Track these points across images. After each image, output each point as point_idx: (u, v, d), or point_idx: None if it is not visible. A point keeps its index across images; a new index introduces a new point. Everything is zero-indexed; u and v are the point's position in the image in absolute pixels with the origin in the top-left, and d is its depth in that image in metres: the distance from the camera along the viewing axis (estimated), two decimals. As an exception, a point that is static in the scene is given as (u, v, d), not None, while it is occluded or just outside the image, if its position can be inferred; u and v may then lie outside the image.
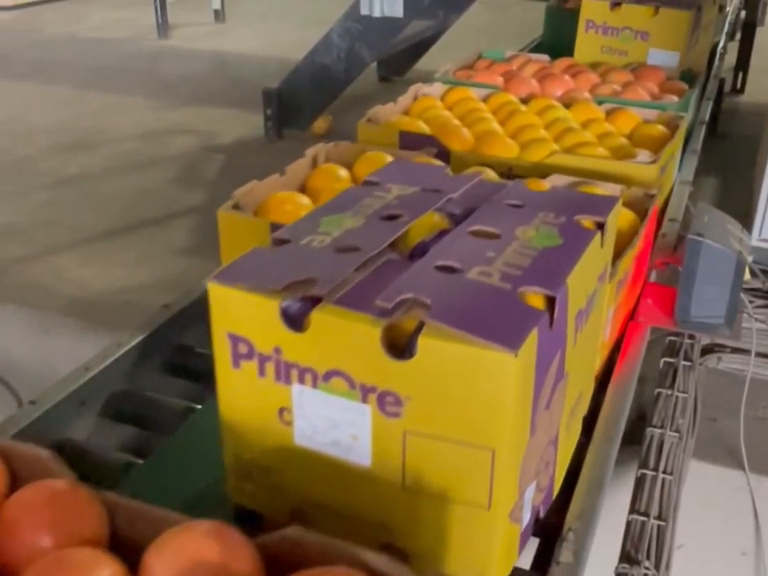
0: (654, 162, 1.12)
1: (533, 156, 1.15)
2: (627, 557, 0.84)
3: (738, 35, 3.13)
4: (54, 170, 2.26)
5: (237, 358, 0.57)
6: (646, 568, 0.83)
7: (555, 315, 0.55)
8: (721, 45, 2.48)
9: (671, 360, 1.08)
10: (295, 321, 0.54)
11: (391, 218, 0.65)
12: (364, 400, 0.53)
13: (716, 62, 2.27)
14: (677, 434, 0.97)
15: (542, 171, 1.06)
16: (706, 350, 1.27)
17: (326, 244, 0.60)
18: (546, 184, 0.97)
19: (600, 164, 1.11)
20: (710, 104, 1.89)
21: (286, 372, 0.55)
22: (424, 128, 1.28)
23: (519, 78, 1.59)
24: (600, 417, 0.78)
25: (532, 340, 0.51)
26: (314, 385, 0.55)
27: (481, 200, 0.70)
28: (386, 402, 0.53)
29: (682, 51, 1.79)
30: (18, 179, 2.19)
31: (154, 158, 2.35)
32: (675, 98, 1.52)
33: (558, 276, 0.57)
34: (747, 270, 1.01)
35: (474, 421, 0.51)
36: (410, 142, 1.20)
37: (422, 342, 0.50)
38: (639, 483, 0.92)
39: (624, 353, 0.90)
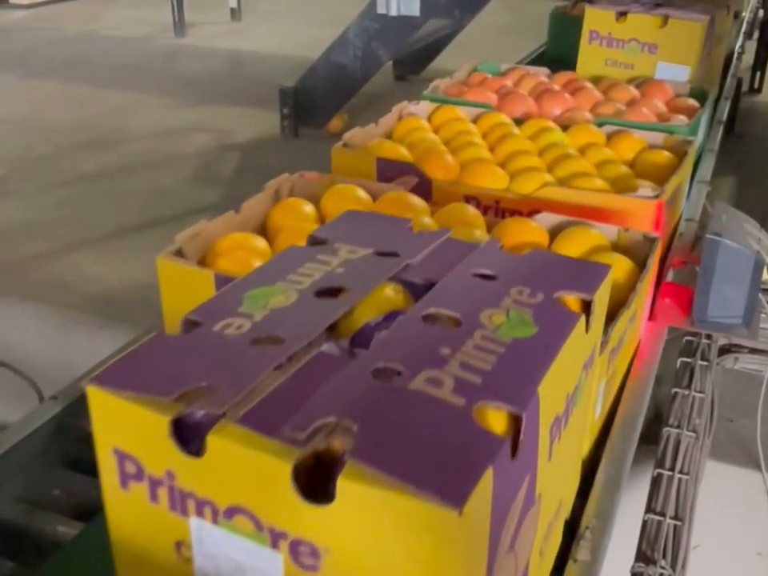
0: (657, 196, 1.00)
1: (523, 187, 1.05)
2: (643, 556, 0.84)
3: (756, 34, 3.11)
4: (73, 167, 2.27)
5: (125, 479, 0.46)
6: (662, 567, 0.83)
7: (521, 438, 0.43)
8: (738, 44, 2.46)
9: (688, 360, 1.08)
10: (191, 442, 0.42)
11: (332, 292, 0.54)
12: (274, 546, 0.42)
13: (733, 62, 2.21)
14: (693, 434, 0.97)
15: (532, 205, 0.99)
16: (723, 350, 1.26)
17: (244, 331, 0.49)
18: (532, 223, 0.91)
19: (596, 198, 1.00)
20: (728, 103, 1.87)
21: (181, 501, 0.44)
22: (404, 154, 1.17)
23: (514, 96, 1.47)
24: (617, 416, 0.78)
25: (485, 485, 0.40)
26: (215, 520, 0.44)
27: (446, 265, 0.59)
28: (300, 552, 0.42)
29: (692, 65, 1.65)
30: (38, 176, 2.21)
31: (171, 156, 2.37)
32: (684, 119, 1.39)
33: (528, 384, 0.46)
34: (766, 270, 1.01)
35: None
36: (389, 169, 1.08)
37: (343, 484, 0.39)
38: (655, 483, 0.92)
39: (642, 352, 0.90)
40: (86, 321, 1.49)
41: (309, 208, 0.96)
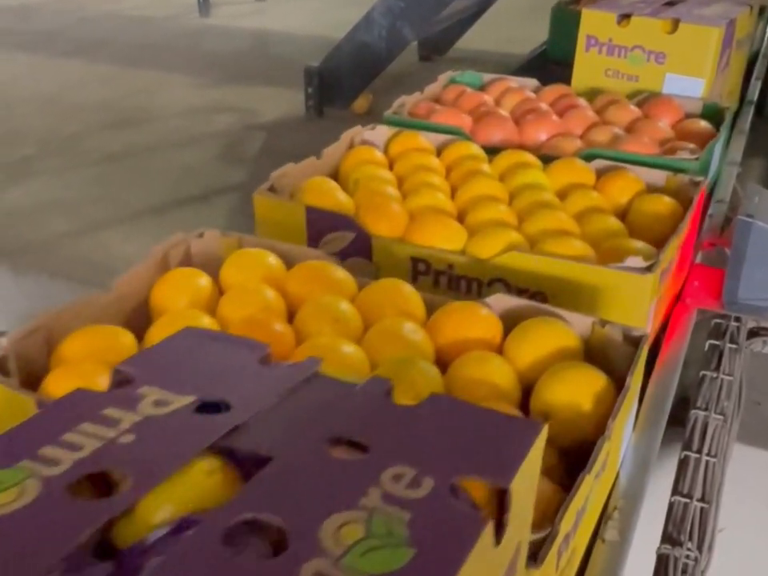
0: (650, 267, 0.77)
1: (483, 249, 0.84)
2: (669, 538, 0.84)
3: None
4: (100, 146, 2.29)
5: None
6: (689, 549, 0.83)
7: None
8: (765, 45, 2.37)
9: (717, 343, 1.07)
10: None
11: (100, 479, 0.36)
12: None
13: (757, 66, 1.96)
14: (721, 417, 0.97)
15: (491, 273, 0.81)
16: (752, 333, 1.25)
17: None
18: (482, 309, 0.72)
19: (571, 270, 0.79)
20: (759, 84, 1.84)
21: None
22: (342, 201, 0.95)
23: (491, 118, 1.23)
24: (645, 398, 0.78)
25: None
26: None
27: (297, 426, 0.39)
28: None
29: (707, 77, 1.38)
30: (66, 155, 2.23)
31: (197, 136, 2.37)
32: (694, 148, 1.17)
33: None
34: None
35: None
36: (321, 221, 0.88)
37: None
38: (682, 465, 0.92)
39: (670, 335, 0.89)
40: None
41: (203, 281, 0.76)
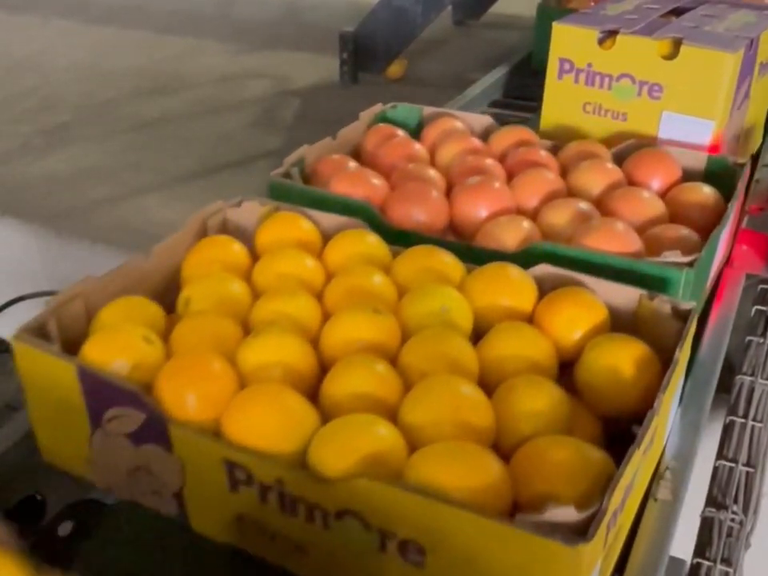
0: (581, 539, 0.42)
1: (332, 459, 0.51)
2: (714, 502, 0.84)
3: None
4: (135, 113, 2.30)
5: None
6: (734, 513, 0.83)
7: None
8: None
9: (763, 308, 1.06)
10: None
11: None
12: None
13: None
14: (767, 383, 0.96)
15: (340, 503, 0.49)
16: (798, 300, 1.24)
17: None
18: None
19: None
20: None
21: None
22: (122, 369, 0.57)
23: (405, 192, 0.86)
24: (696, 361, 0.78)
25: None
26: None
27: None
28: None
29: (718, 118, 1.00)
30: (102, 122, 2.25)
31: (231, 103, 2.38)
32: (686, 243, 0.79)
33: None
34: None
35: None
36: (99, 392, 0.56)
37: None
38: (727, 430, 0.91)
39: (719, 299, 0.89)
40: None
41: (236, 248, 0.74)
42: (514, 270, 0.68)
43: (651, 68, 1.01)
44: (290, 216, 0.77)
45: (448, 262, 0.71)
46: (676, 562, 0.64)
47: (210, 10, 3.46)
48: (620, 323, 0.65)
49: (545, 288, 0.67)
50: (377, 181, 0.89)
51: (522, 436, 0.54)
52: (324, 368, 0.61)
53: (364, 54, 2.46)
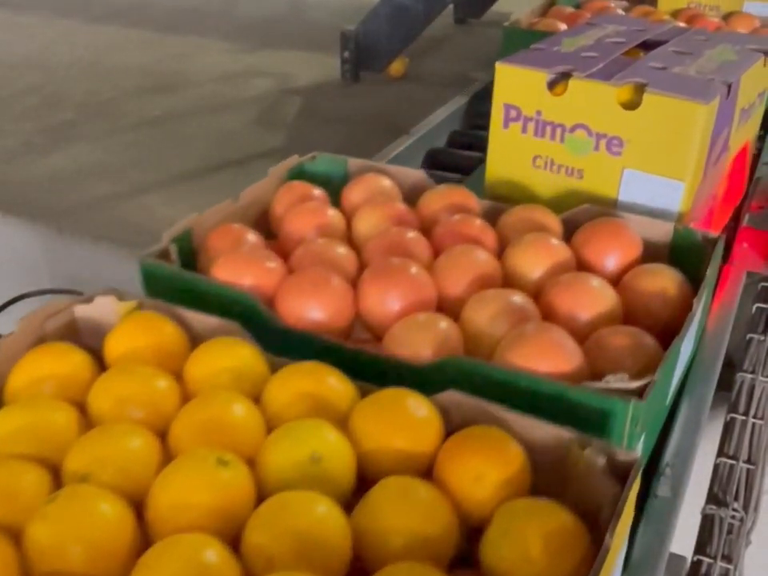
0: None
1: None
2: (715, 499, 0.85)
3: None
4: (138, 111, 2.31)
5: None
6: (734, 510, 0.83)
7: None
8: None
9: (764, 306, 1.06)
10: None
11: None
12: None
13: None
14: (768, 380, 0.96)
15: None
16: (799, 298, 1.24)
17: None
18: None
19: None
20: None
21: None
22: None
23: (303, 278, 0.70)
24: (696, 359, 0.78)
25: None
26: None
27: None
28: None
29: (689, 180, 0.84)
30: (105, 120, 2.25)
31: (233, 101, 2.38)
32: (635, 359, 0.64)
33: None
34: None
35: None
36: None
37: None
38: (728, 427, 0.92)
39: (719, 296, 0.89)
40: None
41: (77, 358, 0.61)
42: (414, 401, 0.55)
43: (610, 118, 0.85)
44: (149, 317, 0.63)
45: (334, 387, 0.57)
46: (677, 559, 0.64)
47: (213, 8, 3.46)
48: (544, 476, 0.52)
49: (453, 421, 0.55)
50: (271, 264, 0.72)
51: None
52: (148, 544, 0.45)
53: (365, 53, 2.46)
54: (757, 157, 1.19)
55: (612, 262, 0.76)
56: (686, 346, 0.66)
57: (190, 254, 0.76)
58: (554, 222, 0.81)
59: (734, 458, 0.88)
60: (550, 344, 0.60)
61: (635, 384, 0.55)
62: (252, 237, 0.79)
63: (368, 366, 0.60)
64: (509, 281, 0.73)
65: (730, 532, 0.81)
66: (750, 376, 0.97)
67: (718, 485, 0.86)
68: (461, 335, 0.65)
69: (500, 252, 0.77)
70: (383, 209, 0.82)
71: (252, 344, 0.61)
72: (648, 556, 0.59)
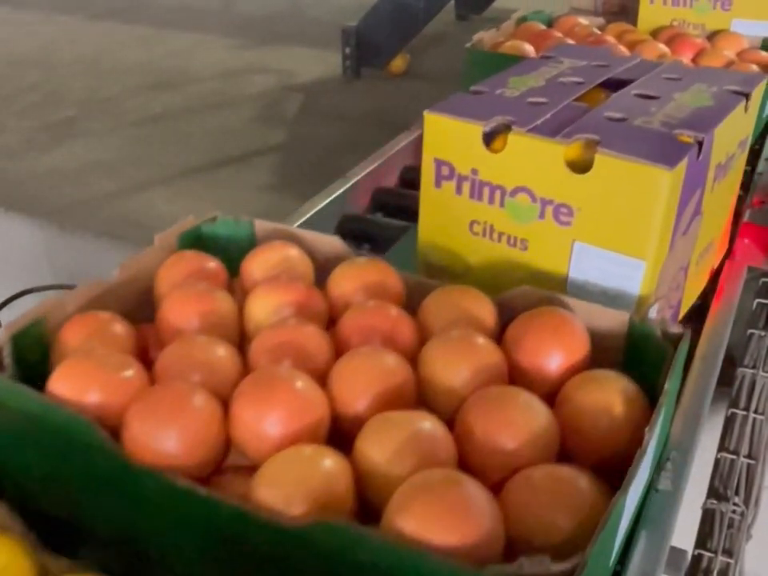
0: None
1: None
2: (716, 493, 0.85)
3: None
4: (139, 108, 2.31)
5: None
6: (735, 504, 0.84)
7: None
8: None
9: (765, 301, 1.06)
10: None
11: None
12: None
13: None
14: (769, 376, 0.96)
15: None
16: (800, 293, 1.24)
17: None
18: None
19: None
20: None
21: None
22: None
23: (157, 397, 0.53)
24: (696, 354, 0.78)
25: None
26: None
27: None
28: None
29: (650, 258, 0.66)
30: (106, 117, 2.25)
31: (235, 97, 2.38)
32: (547, 563, 0.41)
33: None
34: None
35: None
36: None
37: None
38: (729, 422, 0.92)
39: (720, 292, 0.89)
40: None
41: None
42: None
43: (556, 182, 0.68)
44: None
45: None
46: (677, 553, 0.64)
47: (213, 5, 3.46)
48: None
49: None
50: (129, 372, 0.54)
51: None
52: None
53: (366, 49, 2.46)
54: (758, 152, 1.18)
55: (551, 365, 0.58)
56: (636, 487, 0.50)
57: (39, 350, 0.58)
58: (487, 310, 0.63)
59: (735, 452, 0.88)
60: (455, 504, 0.44)
61: (558, 568, 0.40)
62: (120, 328, 0.60)
63: (234, 522, 0.46)
64: (424, 389, 0.58)
65: (730, 526, 0.81)
66: (750, 371, 0.97)
67: (719, 479, 0.87)
68: (350, 477, 0.50)
69: (420, 345, 0.61)
70: (282, 291, 0.64)
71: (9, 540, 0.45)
72: (649, 550, 0.59)
